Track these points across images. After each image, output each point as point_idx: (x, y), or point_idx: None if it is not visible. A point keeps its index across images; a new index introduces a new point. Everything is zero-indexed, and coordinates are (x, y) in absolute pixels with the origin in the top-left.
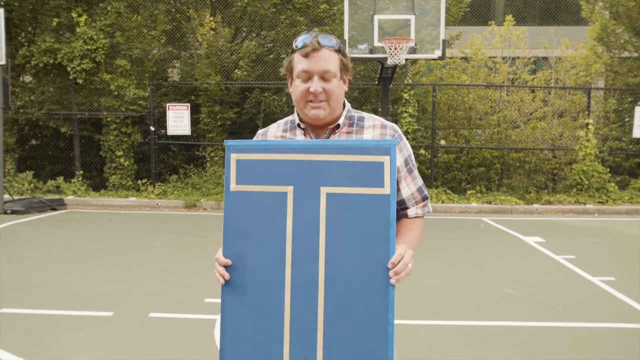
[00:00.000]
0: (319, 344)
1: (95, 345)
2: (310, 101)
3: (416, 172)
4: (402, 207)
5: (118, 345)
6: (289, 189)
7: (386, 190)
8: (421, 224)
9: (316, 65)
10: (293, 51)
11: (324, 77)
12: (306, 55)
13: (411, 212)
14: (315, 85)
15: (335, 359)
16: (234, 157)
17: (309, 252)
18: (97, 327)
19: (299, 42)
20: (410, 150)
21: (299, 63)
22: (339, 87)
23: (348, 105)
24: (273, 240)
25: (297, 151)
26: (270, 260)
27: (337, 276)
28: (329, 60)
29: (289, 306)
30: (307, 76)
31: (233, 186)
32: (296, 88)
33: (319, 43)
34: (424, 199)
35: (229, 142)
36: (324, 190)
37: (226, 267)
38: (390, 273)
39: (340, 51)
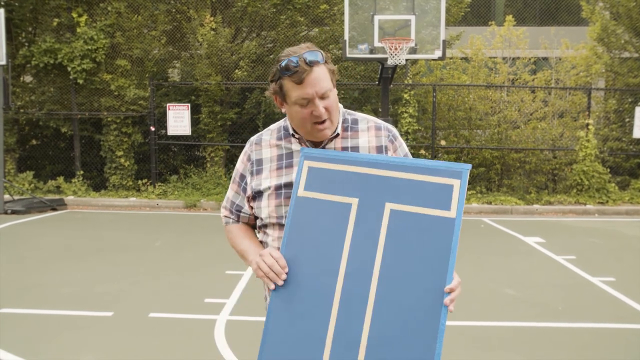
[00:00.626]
0: (360, 358)
1: (95, 345)
2: (315, 123)
3: None
4: None
5: (118, 345)
6: (354, 201)
7: (452, 214)
8: None
9: (314, 89)
10: (279, 74)
11: (323, 96)
12: (300, 82)
13: None
14: (319, 109)
15: None
16: (306, 164)
17: (364, 266)
18: (97, 327)
19: (284, 67)
20: (407, 150)
21: (294, 91)
22: (335, 98)
23: (341, 107)
24: (330, 249)
25: (367, 165)
26: (324, 269)
27: (388, 294)
28: (323, 79)
29: (334, 317)
30: (307, 102)
31: (301, 191)
32: (297, 114)
33: (307, 63)
34: None
35: (304, 150)
36: (389, 206)
37: (284, 273)
38: (447, 300)
39: (326, 62)
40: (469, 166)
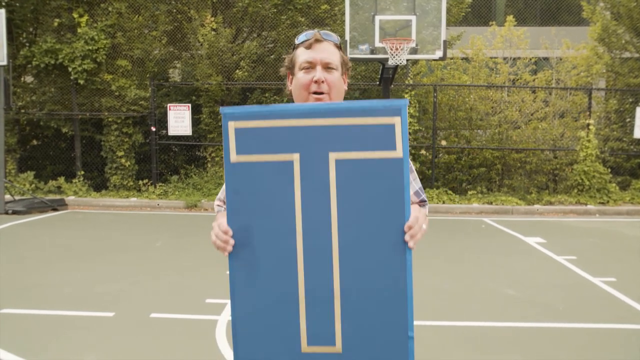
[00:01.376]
0: (336, 313)
1: (96, 345)
2: (314, 92)
3: (414, 175)
4: None
5: (119, 346)
6: (295, 157)
7: (398, 153)
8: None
9: (319, 55)
10: (295, 48)
11: (327, 68)
12: (309, 47)
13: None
14: (319, 73)
15: (354, 325)
16: (232, 126)
17: (321, 221)
18: (97, 328)
19: (300, 38)
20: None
21: (302, 55)
22: (340, 81)
23: None
24: (281, 211)
25: (301, 116)
26: (279, 232)
27: (351, 243)
28: (331, 53)
29: (302, 277)
30: (310, 66)
31: (234, 157)
32: (298, 80)
33: (321, 36)
34: (422, 202)
35: (225, 109)
36: (333, 156)
37: (230, 239)
38: (407, 237)
39: (340, 48)
40: (406, 101)
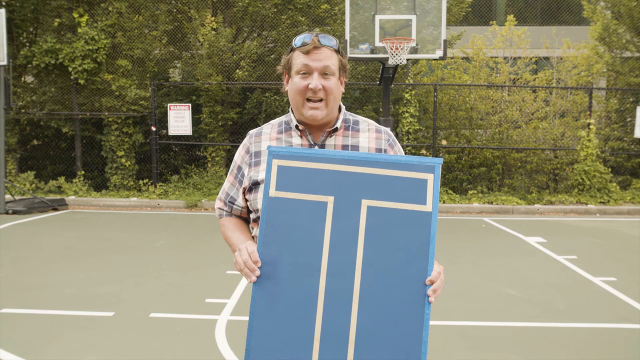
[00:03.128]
0: (349, 355)
1: (96, 345)
2: (309, 99)
3: None
4: None
5: (119, 346)
6: (330, 199)
7: (428, 207)
8: None
9: (317, 62)
10: (292, 50)
11: (324, 74)
12: (307, 52)
13: None
14: (315, 81)
15: None
16: (275, 163)
17: (346, 264)
18: (97, 328)
19: (298, 40)
20: (403, 153)
21: (299, 59)
22: (337, 87)
23: (343, 108)
24: (310, 249)
25: (340, 162)
26: (305, 269)
27: (372, 289)
28: (329, 59)
29: (320, 316)
30: (307, 71)
31: (272, 192)
32: (294, 85)
33: (319, 42)
34: None
35: (271, 148)
36: (365, 203)
37: (257, 270)
38: (429, 291)
39: (339, 52)
40: (440, 160)
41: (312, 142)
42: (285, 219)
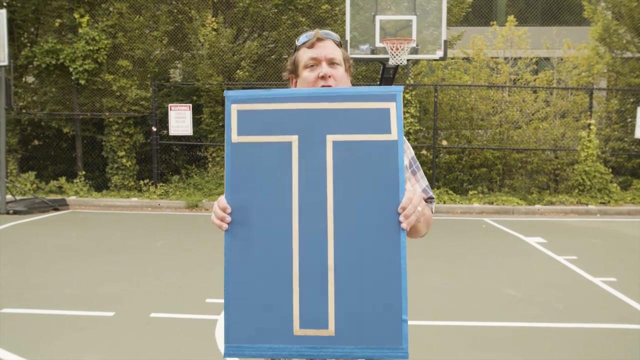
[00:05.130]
0: (330, 294)
1: (96, 345)
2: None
3: (420, 173)
4: None
5: (119, 346)
6: (294, 139)
7: (393, 136)
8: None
9: (323, 52)
10: (296, 50)
11: (332, 64)
12: (312, 46)
13: None
14: (325, 69)
15: (347, 308)
16: (234, 108)
17: (317, 201)
18: (98, 328)
19: (301, 39)
20: (413, 152)
21: (305, 54)
22: (345, 76)
23: None
24: (278, 190)
25: (301, 100)
26: (276, 211)
27: (346, 223)
28: (334, 50)
29: (297, 255)
30: (315, 63)
31: (235, 137)
32: (304, 79)
33: (322, 35)
34: (429, 199)
35: (228, 93)
36: (330, 139)
37: (227, 215)
38: (401, 217)
39: (341, 46)
40: (401, 87)
41: None
42: (250, 164)
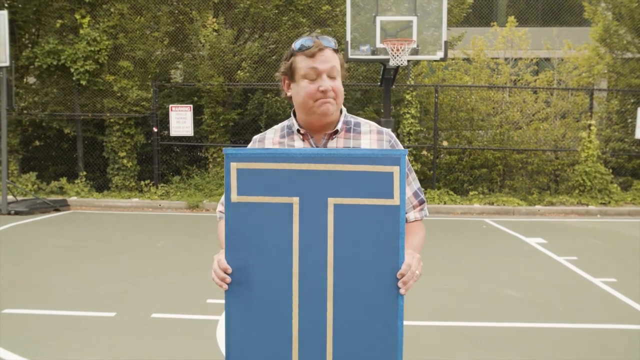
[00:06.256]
0: (328, 353)
1: (97, 345)
2: (319, 99)
3: (412, 175)
4: None
5: (120, 346)
6: (295, 200)
7: (396, 201)
8: (422, 226)
9: (324, 64)
10: (292, 54)
11: (331, 75)
12: (312, 55)
13: (410, 216)
14: (326, 83)
15: None
16: (234, 166)
17: (317, 264)
18: (99, 328)
19: (298, 44)
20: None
21: (304, 62)
22: (341, 87)
23: (344, 110)
24: (279, 252)
25: (303, 160)
26: (276, 272)
27: (345, 286)
28: (333, 61)
29: (297, 317)
30: (316, 74)
31: (234, 197)
32: (303, 89)
33: (322, 44)
34: (421, 202)
35: (228, 151)
36: (332, 202)
37: (228, 275)
38: (399, 283)
39: (337, 51)
40: (405, 151)
41: (314, 145)
42: (250, 224)
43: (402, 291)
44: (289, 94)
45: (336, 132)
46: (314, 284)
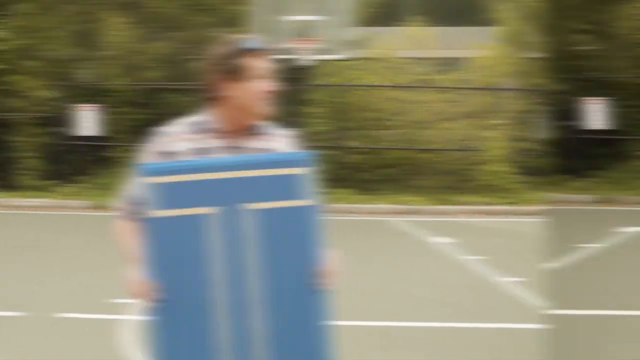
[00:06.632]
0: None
1: (3, 345)
2: (264, 100)
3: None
4: None
5: (27, 346)
6: (212, 210)
7: (307, 201)
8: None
9: (270, 66)
10: (239, 54)
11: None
12: (261, 58)
13: None
14: (272, 84)
15: None
16: (152, 181)
17: (238, 272)
18: (6, 328)
19: (247, 44)
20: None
21: (256, 63)
22: None
23: None
24: (200, 264)
25: (214, 169)
26: (198, 284)
27: (270, 290)
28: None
29: (223, 327)
30: (265, 75)
31: (153, 212)
32: (252, 89)
33: (267, 46)
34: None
35: (145, 166)
36: (248, 207)
37: (151, 292)
38: (319, 280)
39: None
40: (311, 152)
41: (231, 145)
42: (170, 239)
43: (322, 287)
44: (224, 93)
45: (253, 132)
46: (237, 293)
